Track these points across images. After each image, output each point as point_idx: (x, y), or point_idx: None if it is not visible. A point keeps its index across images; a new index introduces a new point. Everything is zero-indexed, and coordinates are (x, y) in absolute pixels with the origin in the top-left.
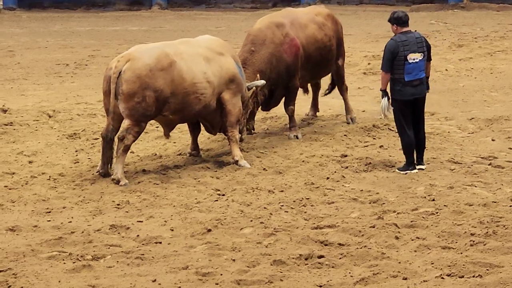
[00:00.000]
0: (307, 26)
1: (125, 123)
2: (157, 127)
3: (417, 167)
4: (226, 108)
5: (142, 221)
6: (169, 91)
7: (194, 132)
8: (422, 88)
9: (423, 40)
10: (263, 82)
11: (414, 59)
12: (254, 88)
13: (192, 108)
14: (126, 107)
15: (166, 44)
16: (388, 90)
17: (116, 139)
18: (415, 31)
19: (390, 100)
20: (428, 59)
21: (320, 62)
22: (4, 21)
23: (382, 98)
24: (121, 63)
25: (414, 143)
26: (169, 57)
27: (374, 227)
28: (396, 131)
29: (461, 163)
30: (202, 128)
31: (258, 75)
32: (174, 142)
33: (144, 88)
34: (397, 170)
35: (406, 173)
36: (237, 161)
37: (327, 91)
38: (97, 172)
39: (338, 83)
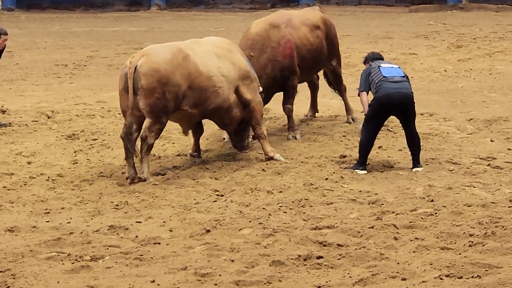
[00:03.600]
0: (300, 28)
1: (146, 121)
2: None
3: (413, 169)
4: (250, 106)
5: (141, 222)
6: (187, 84)
7: (197, 134)
8: (405, 85)
9: (396, 65)
10: (260, 88)
11: (388, 65)
12: None
13: (211, 102)
14: (147, 103)
15: (178, 42)
16: None
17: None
18: None
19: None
20: None
21: (311, 65)
22: (2, 21)
23: (364, 121)
24: (136, 59)
25: (370, 148)
26: (182, 51)
27: (373, 227)
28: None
29: (460, 164)
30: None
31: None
32: (173, 143)
33: (163, 83)
34: (346, 167)
35: (352, 172)
36: (272, 157)
37: (332, 89)
38: (126, 178)
39: (336, 84)
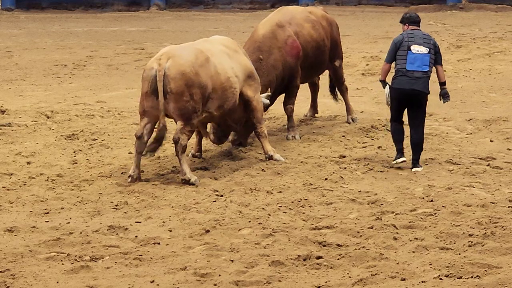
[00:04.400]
0: (303, 25)
1: (178, 124)
2: (155, 128)
3: (413, 169)
4: (251, 105)
5: (140, 222)
6: (211, 86)
7: (199, 134)
8: (423, 83)
9: (430, 38)
10: (267, 101)
11: (417, 50)
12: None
13: (229, 103)
14: (177, 107)
15: (194, 43)
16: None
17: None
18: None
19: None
20: (437, 62)
21: (314, 63)
22: (2, 21)
23: (384, 88)
24: (163, 61)
25: (400, 133)
26: (203, 53)
27: (372, 228)
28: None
29: (459, 164)
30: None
31: (269, 89)
32: (172, 143)
33: (190, 86)
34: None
35: (395, 162)
36: (272, 156)
37: (332, 96)
38: (128, 176)
39: (337, 84)
